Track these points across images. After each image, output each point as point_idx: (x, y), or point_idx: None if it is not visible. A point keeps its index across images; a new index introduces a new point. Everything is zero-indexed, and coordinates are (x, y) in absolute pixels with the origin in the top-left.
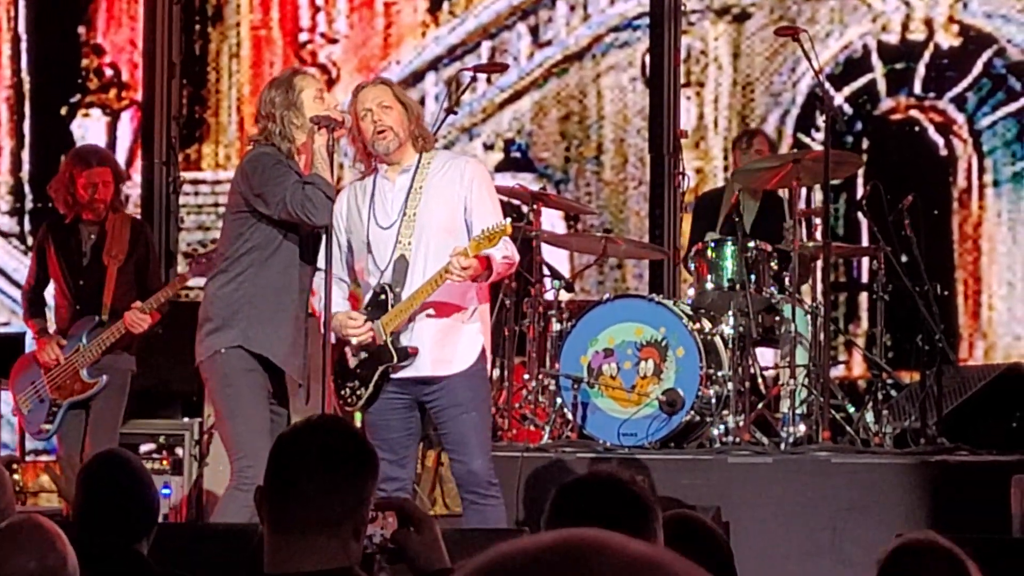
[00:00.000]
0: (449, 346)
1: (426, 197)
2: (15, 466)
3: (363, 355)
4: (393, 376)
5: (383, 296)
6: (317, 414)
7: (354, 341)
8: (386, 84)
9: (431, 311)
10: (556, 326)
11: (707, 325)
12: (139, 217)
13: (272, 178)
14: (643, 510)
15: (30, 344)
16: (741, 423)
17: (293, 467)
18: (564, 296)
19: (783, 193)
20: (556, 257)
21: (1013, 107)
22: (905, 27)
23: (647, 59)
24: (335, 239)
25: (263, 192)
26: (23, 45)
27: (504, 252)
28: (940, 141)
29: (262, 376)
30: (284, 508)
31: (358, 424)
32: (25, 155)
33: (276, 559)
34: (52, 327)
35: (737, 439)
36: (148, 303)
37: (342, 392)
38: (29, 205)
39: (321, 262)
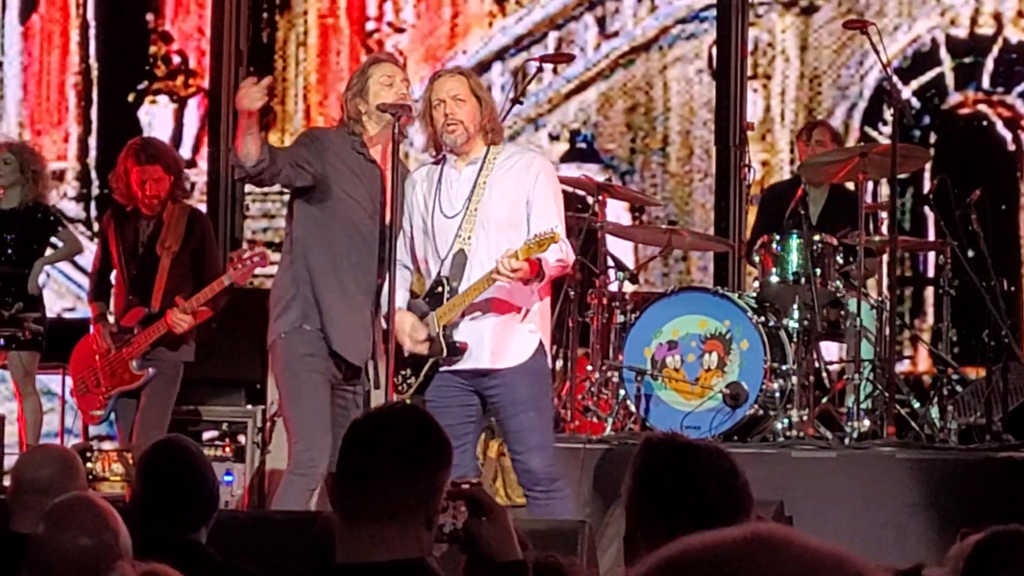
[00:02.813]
0: (506, 340)
1: (489, 192)
2: (89, 454)
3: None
4: (451, 368)
5: (439, 289)
6: (391, 402)
7: (405, 347)
8: (463, 75)
9: (488, 306)
10: (620, 318)
11: (772, 318)
12: (203, 206)
13: None
14: (740, 496)
15: None
16: (805, 417)
17: (366, 455)
18: (628, 288)
19: (850, 186)
20: (621, 248)
21: None
22: (974, 21)
23: (714, 51)
24: (402, 226)
25: None
26: (91, 32)
27: (558, 255)
28: (1008, 136)
29: (324, 361)
30: (356, 497)
31: None
32: (92, 141)
33: (347, 548)
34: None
35: (801, 433)
36: (189, 304)
37: (395, 378)
38: (95, 191)
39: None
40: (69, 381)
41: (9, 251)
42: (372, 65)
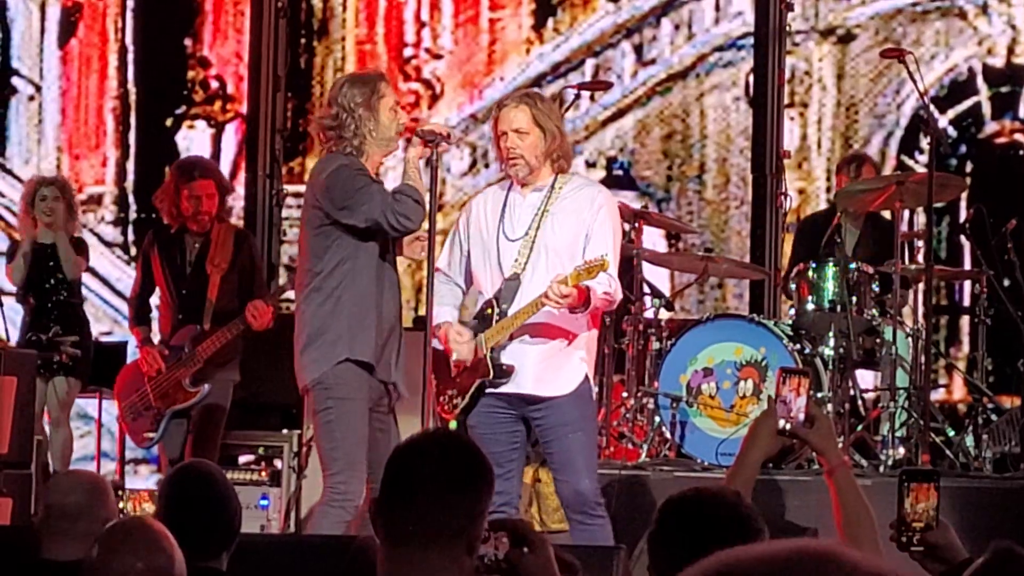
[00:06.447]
0: (552, 368)
1: (552, 220)
2: (120, 492)
3: (464, 365)
4: (495, 391)
5: (489, 311)
6: (434, 427)
7: (454, 356)
8: (527, 105)
9: (538, 331)
10: (655, 345)
11: (807, 346)
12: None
13: (356, 189)
14: (751, 529)
15: (132, 353)
16: (840, 445)
17: (409, 480)
18: (664, 315)
19: (886, 215)
20: (657, 275)
21: None
22: (1011, 51)
23: (751, 79)
24: (457, 244)
25: (349, 204)
26: (130, 56)
27: (606, 288)
28: None
29: (367, 390)
30: (398, 521)
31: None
32: (130, 166)
33: (389, 572)
34: (157, 336)
35: None
36: (269, 296)
37: (441, 398)
38: (133, 215)
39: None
40: (107, 405)
41: (52, 282)
42: (383, 84)
